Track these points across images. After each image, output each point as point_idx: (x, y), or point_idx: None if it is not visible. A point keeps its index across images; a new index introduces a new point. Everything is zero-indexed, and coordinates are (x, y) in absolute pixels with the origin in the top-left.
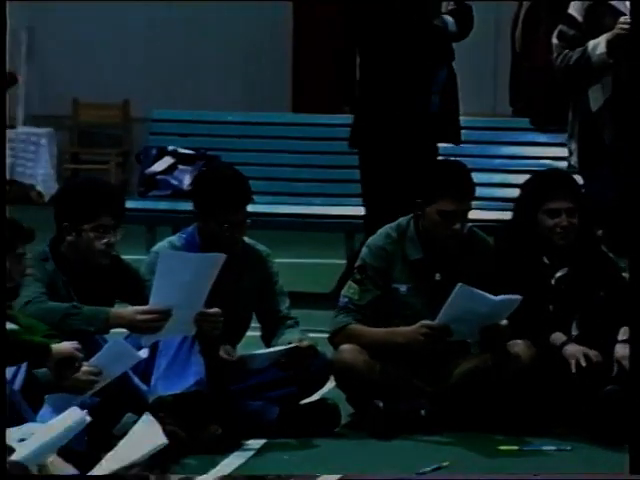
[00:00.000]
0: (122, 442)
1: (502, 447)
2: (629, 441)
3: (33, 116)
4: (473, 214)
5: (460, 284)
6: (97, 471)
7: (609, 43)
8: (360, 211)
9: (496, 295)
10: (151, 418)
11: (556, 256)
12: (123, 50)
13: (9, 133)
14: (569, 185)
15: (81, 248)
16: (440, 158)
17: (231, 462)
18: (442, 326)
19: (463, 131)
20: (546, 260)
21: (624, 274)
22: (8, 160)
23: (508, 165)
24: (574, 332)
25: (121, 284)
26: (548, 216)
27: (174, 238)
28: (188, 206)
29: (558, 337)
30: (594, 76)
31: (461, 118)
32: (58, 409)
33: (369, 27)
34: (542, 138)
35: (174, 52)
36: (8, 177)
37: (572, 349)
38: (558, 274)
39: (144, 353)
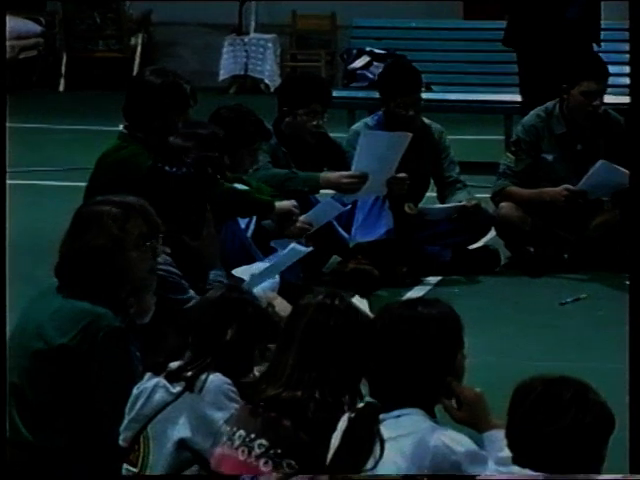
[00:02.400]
0: None
1: (628, 282)
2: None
3: (262, 25)
4: (608, 99)
5: (601, 160)
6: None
7: None
8: (515, 97)
9: (626, 164)
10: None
11: None
12: None
13: (244, 39)
14: None
15: (296, 127)
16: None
17: (413, 294)
18: (581, 190)
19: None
20: None
21: None
22: (243, 60)
23: None
24: None
25: (328, 155)
26: None
27: (368, 119)
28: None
29: None
30: None
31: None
32: (282, 250)
33: None
34: None
35: None
36: (243, 73)
37: None
38: None
39: (348, 202)
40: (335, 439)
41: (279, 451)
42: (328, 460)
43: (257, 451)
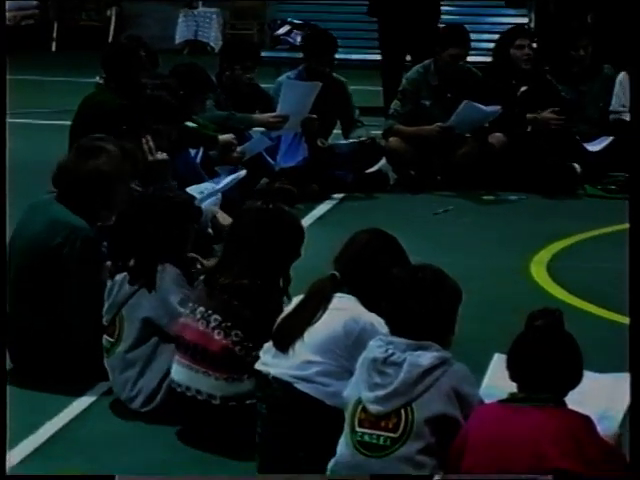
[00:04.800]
0: None
1: (484, 197)
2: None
3: (208, 0)
4: (470, 58)
5: (465, 100)
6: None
7: None
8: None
9: (484, 105)
10: None
11: (520, 78)
12: None
13: (194, 12)
14: (527, 32)
15: (234, 79)
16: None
17: (323, 207)
18: (449, 126)
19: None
20: (514, 81)
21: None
22: (194, 28)
23: (491, 29)
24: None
25: (258, 100)
26: (516, 49)
27: (289, 73)
28: (298, 55)
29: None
30: None
31: None
32: (224, 174)
33: None
34: (512, 12)
35: None
36: (194, 38)
37: (545, 113)
38: (522, 89)
39: (274, 136)
40: (290, 306)
41: (229, 324)
42: (281, 318)
43: (213, 324)
